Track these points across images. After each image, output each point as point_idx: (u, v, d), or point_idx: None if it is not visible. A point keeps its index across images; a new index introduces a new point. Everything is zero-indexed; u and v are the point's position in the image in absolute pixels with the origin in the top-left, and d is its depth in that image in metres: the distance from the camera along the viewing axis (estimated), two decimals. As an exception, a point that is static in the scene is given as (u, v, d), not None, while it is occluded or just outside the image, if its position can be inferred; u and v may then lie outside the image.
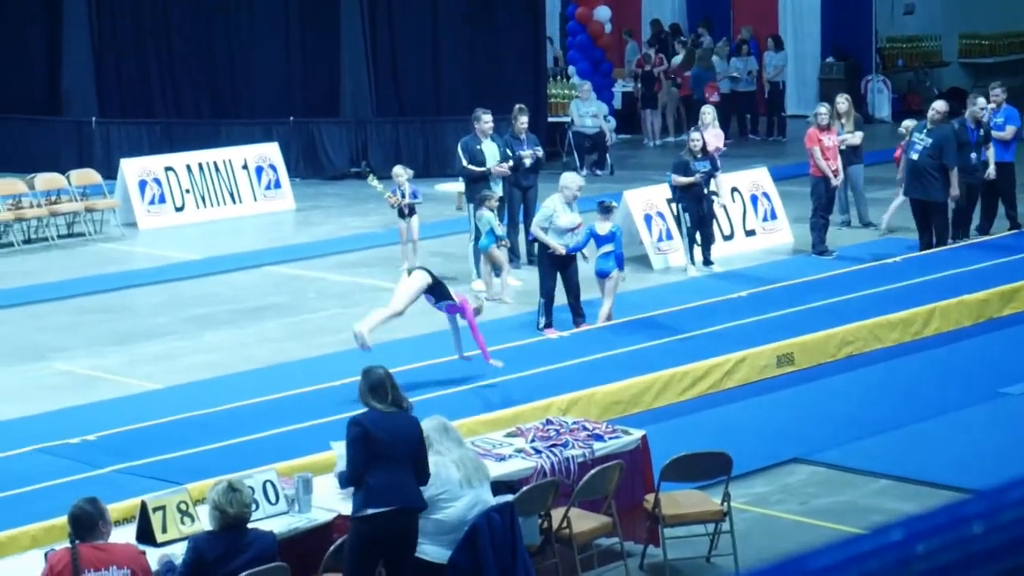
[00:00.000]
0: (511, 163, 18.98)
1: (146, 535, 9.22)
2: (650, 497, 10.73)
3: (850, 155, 20.87)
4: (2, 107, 28.39)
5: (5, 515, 11.03)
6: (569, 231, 16.08)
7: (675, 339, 15.62)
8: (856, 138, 21.08)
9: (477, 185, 18.67)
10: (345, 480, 9.37)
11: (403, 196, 19.27)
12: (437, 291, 14.19)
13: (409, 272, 14.66)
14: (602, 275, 16.21)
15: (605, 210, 16.18)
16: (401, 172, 19.40)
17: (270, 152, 25.29)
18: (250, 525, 8.71)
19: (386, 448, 9.08)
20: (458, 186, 20.44)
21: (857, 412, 14.05)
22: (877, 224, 21.42)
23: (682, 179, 19.06)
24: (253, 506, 8.89)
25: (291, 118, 27.67)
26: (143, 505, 9.31)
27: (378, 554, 9.18)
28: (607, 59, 31.53)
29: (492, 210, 17.86)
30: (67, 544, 8.38)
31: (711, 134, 20.64)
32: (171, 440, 12.75)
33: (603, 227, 16.12)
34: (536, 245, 16.87)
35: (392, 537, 9.14)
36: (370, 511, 9.04)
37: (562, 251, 16.01)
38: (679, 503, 10.74)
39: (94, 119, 27.89)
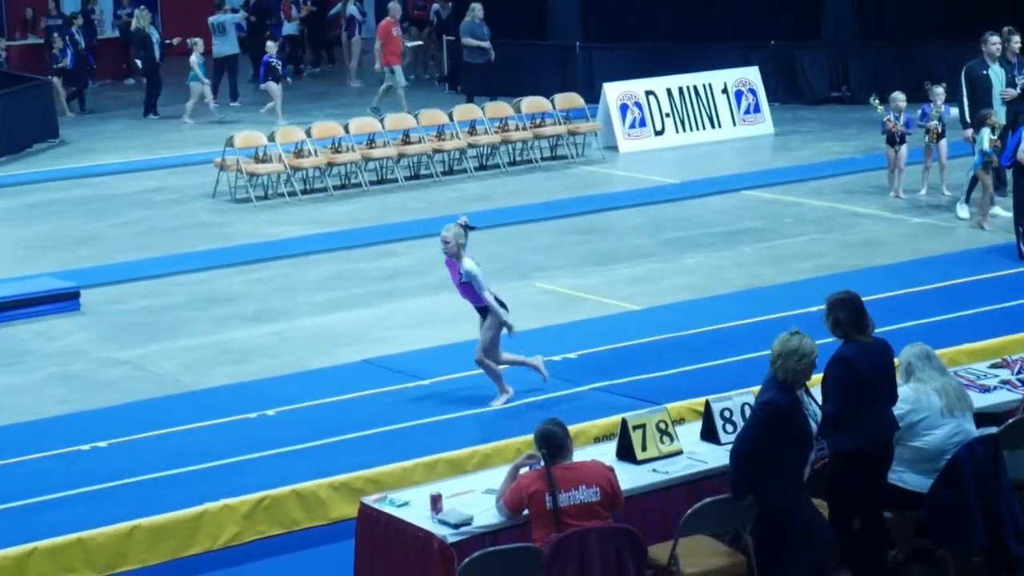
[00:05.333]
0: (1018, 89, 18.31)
1: (626, 452, 9.40)
2: None
3: None
4: (494, 32, 29.24)
5: (494, 426, 11.49)
6: None
7: None
8: None
9: (977, 107, 18.15)
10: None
11: (897, 122, 19.13)
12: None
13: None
14: None
15: None
16: (902, 98, 19.20)
17: (750, 76, 25.20)
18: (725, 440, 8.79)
19: (871, 383, 8.96)
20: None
21: None
22: None
23: None
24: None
25: (771, 42, 27.48)
26: (624, 423, 9.48)
27: (858, 486, 9.06)
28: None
29: (992, 128, 17.30)
30: (537, 465, 8.55)
31: None
32: (649, 360, 12.98)
33: None
34: (1010, 173, 16.34)
35: (872, 471, 9.05)
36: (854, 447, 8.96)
37: None
38: None
39: (578, 44, 28.40)
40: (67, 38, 29.09)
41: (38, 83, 27.04)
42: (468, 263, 11.82)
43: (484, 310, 11.93)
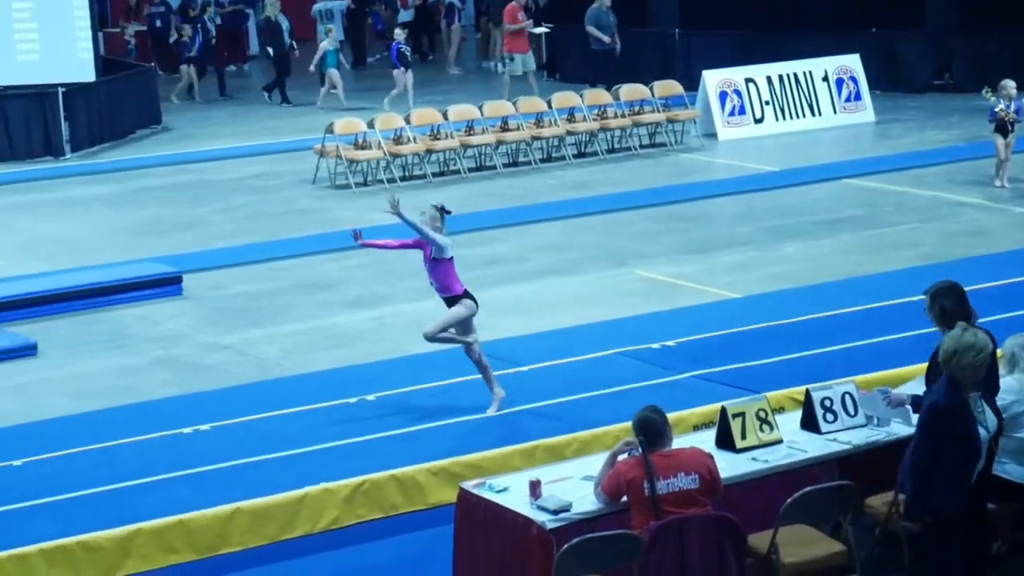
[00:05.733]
0: None
1: (725, 440, 9.37)
2: None
3: None
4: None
5: (590, 413, 11.49)
6: None
7: None
8: None
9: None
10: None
11: (1009, 110, 18.94)
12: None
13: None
14: None
15: None
16: (1012, 85, 19.01)
17: (851, 64, 25.01)
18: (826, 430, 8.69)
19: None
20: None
21: None
22: None
23: None
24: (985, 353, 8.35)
25: (872, 29, 27.23)
26: (723, 411, 9.45)
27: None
28: None
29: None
30: (635, 451, 8.52)
31: None
32: (749, 348, 12.93)
33: None
34: None
35: None
36: None
37: None
38: None
39: (677, 31, 28.31)
40: (198, 26, 29.40)
41: (141, 69, 27.34)
42: (443, 237, 11.38)
43: (450, 300, 11.58)
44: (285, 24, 28.31)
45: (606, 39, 25.60)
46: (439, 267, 11.48)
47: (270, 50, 28.38)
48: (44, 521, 9.87)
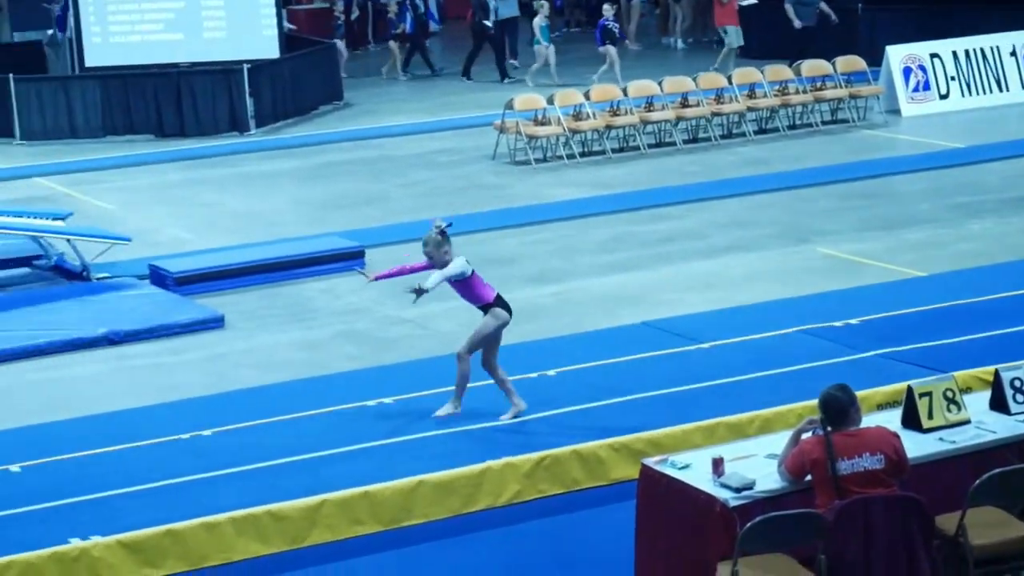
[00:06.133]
0: None
1: (911, 420, 9.24)
2: None
3: None
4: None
5: (776, 390, 11.40)
6: None
7: None
8: None
9: None
10: None
11: None
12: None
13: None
14: None
15: None
16: None
17: (1039, 38, 24.50)
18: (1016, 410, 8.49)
19: None
20: None
21: None
22: None
23: None
24: None
25: (1063, 2, 26.60)
26: (909, 390, 9.32)
27: None
28: None
29: None
30: (819, 431, 8.42)
31: None
32: (935, 327, 12.73)
33: None
34: None
35: None
36: None
37: None
38: None
39: (859, 5, 27.91)
40: (406, 2, 29.69)
41: (324, 46, 27.67)
42: (456, 264, 11.18)
43: (485, 308, 11.33)
44: (492, 3, 28.58)
45: (798, 23, 25.28)
46: (463, 286, 11.34)
47: (488, 24, 28.44)
48: (233, 490, 10.05)
